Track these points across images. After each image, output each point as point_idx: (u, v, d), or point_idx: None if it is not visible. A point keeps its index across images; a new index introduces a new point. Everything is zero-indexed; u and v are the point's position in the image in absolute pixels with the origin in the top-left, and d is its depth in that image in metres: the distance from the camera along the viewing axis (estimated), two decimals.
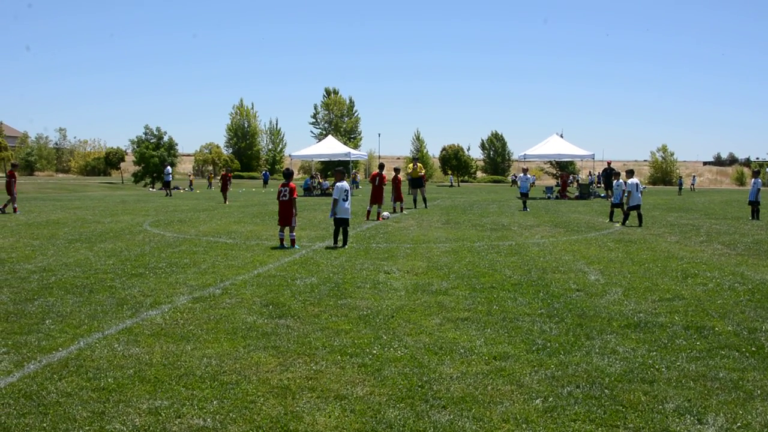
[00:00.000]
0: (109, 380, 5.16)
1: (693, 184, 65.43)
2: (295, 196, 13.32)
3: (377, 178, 20.91)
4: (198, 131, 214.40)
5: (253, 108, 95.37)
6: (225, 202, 30.86)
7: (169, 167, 42.17)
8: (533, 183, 57.20)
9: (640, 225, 18.45)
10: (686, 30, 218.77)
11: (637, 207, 18.92)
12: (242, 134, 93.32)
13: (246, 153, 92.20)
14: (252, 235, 15.77)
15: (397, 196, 23.72)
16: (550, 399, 4.83)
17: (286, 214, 13.27)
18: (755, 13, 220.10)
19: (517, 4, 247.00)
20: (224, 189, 32.56)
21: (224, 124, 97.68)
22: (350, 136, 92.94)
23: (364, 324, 7.00)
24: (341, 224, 13.44)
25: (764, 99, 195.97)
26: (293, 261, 11.35)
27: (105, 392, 4.92)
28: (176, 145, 65.42)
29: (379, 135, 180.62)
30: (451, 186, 75.62)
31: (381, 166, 22.04)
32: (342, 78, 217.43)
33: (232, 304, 7.92)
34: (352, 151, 48.43)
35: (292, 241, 13.29)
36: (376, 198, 20.71)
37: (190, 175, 58.17)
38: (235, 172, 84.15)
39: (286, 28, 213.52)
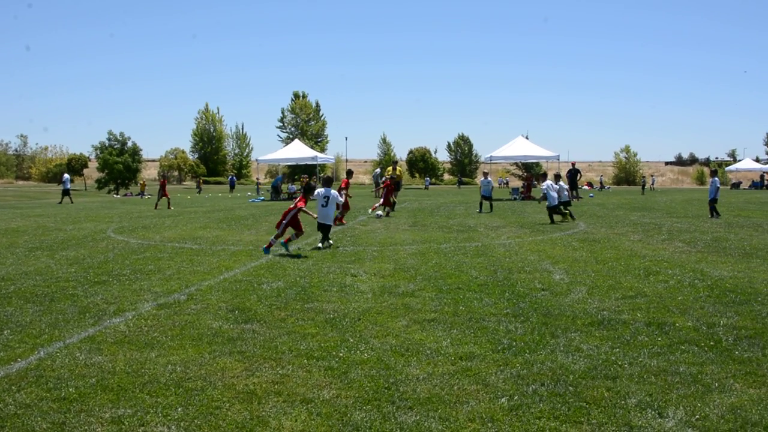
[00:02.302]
0: (71, 390, 5.07)
1: (653, 184, 66.29)
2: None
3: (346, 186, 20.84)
4: (163, 136, 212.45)
5: (218, 112, 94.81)
6: (155, 208, 30.83)
7: (66, 175, 41.60)
8: (496, 186, 57.56)
9: (551, 222, 20.09)
10: (646, 34, 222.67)
11: (552, 208, 20.45)
12: (208, 139, 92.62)
13: (212, 158, 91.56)
14: (218, 240, 15.63)
15: (386, 201, 23.67)
16: (516, 397, 4.87)
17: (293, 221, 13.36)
18: (713, 16, 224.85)
19: (482, 11, 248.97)
20: (161, 195, 32.37)
21: (190, 129, 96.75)
22: (317, 139, 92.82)
23: (330, 327, 6.98)
24: (320, 229, 13.79)
25: (723, 100, 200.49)
26: (260, 265, 11.28)
27: (66, 402, 4.82)
28: (140, 150, 64.76)
29: (346, 138, 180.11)
30: (426, 188, 75.98)
31: (349, 173, 22.20)
32: (308, 82, 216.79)
33: (197, 309, 7.84)
34: (319, 155, 48.31)
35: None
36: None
37: (161, 179, 57.34)
38: (202, 178, 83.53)
39: (253, 33, 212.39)
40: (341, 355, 5.96)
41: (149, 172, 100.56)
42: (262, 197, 41.65)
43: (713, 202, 22.40)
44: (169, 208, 31.12)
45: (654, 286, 9.22)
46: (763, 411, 4.57)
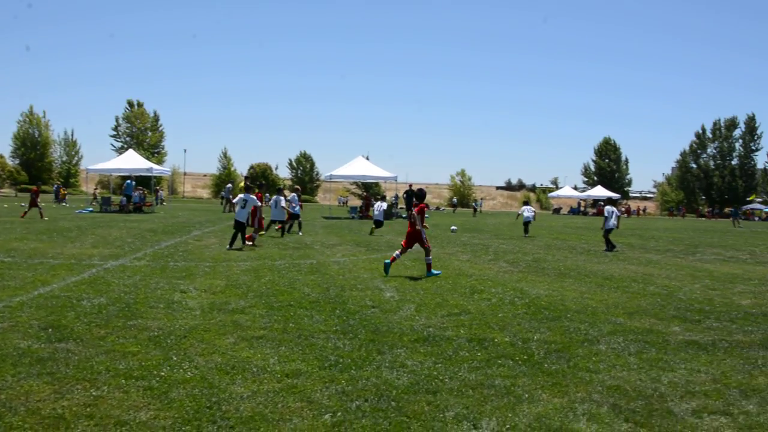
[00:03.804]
0: None
1: (479, 207, 68.83)
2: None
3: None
4: None
5: (45, 117, 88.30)
6: (23, 216, 28.65)
7: None
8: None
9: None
10: (482, 64, 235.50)
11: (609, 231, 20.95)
12: (32, 144, 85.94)
13: (36, 165, 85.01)
14: (35, 253, 14.50)
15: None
16: (339, 414, 4.91)
17: (417, 237, 12.80)
18: (535, 51, 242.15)
19: (324, 24, 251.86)
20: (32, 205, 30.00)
21: (10, 132, 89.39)
22: (154, 151, 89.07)
23: (154, 345, 6.69)
24: (235, 226, 16.93)
25: (547, 131, 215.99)
26: (81, 281, 10.60)
27: None
28: None
29: (185, 151, 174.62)
30: (266, 204, 74.91)
31: (261, 186, 21.91)
32: (147, 91, 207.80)
33: (3, 328, 7.20)
34: (155, 167, 46.33)
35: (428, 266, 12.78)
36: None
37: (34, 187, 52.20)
38: (21, 185, 77.46)
39: (87, 33, 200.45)
40: (163, 374, 5.73)
41: None
42: (91, 208, 39.20)
43: (608, 232, 20.64)
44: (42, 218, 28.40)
45: (478, 303, 9.69)
46: (564, 418, 4.94)
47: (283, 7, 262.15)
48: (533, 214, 25.65)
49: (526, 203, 26.66)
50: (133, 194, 39.89)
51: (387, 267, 12.48)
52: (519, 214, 26.18)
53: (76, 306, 8.52)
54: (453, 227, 28.79)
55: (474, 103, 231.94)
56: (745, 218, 76.73)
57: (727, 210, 73.16)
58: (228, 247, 16.53)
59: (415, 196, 13.49)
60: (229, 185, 44.97)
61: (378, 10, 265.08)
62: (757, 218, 79.77)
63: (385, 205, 19.48)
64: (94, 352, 6.35)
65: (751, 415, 5.16)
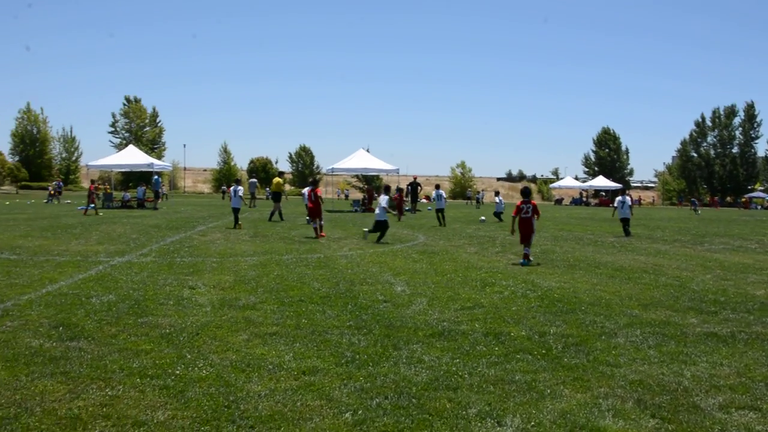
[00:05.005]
0: None
1: (481, 199, 68.63)
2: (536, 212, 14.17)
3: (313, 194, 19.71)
4: None
5: (42, 113, 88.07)
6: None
7: None
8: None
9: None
10: (477, 51, 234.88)
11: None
12: (30, 141, 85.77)
13: (35, 161, 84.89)
14: (41, 250, 14.41)
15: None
16: (360, 412, 4.82)
17: (528, 231, 13.91)
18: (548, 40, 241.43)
19: (324, 24, 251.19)
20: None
21: (8, 130, 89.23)
22: (153, 146, 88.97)
23: (166, 343, 6.60)
24: (233, 211, 21.52)
25: (547, 121, 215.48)
26: (88, 277, 10.51)
27: None
28: None
29: (185, 146, 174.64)
30: (267, 198, 74.74)
31: (314, 182, 21.15)
32: (145, 87, 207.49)
33: (13, 327, 7.12)
34: (155, 162, 46.22)
35: (526, 256, 13.69)
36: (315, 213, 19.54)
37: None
38: (23, 182, 77.35)
39: (82, 32, 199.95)
40: (178, 372, 5.64)
41: None
42: (93, 204, 39.12)
43: (624, 221, 22.23)
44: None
45: (490, 296, 9.60)
46: (589, 414, 4.84)
47: (281, 1, 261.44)
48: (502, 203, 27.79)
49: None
50: (138, 189, 39.82)
51: (525, 264, 13.38)
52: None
53: (86, 303, 8.43)
54: (482, 218, 30.69)
55: (474, 95, 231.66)
56: (743, 207, 76.66)
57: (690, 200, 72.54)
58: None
59: (522, 193, 14.43)
60: (253, 180, 44.74)
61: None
62: (759, 207, 79.63)
63: (386, 199, 18.18)
64: (107, 351, 6.26)
65: None
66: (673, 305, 9.19)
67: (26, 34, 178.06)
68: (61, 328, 7.07)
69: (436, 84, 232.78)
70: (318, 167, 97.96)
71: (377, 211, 18.76)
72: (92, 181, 32.38)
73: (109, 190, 44.42)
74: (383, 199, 18.76)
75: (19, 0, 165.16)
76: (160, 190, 38.19)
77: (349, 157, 43.59)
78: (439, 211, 26.34)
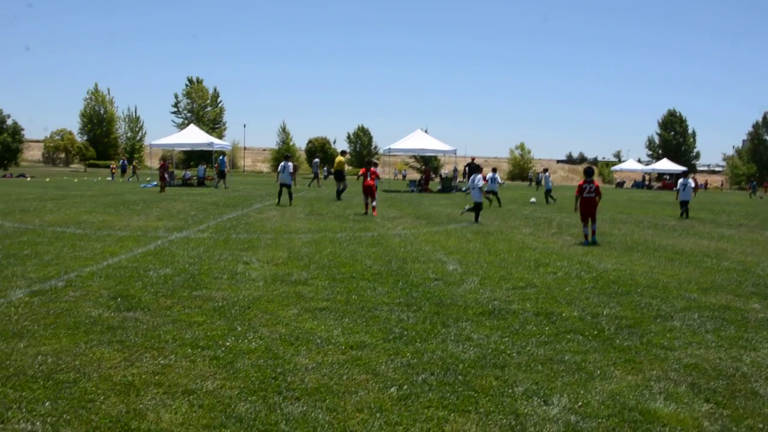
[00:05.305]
0: None
1: (542, 180, 67.67)
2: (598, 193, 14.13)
3: (367, 173, 20.01)
4: (48, 116, 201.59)
5: (109, 94, 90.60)
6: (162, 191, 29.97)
7: None
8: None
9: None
10: (539, 36, 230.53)
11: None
12: (98, 121, 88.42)
13: (102, 141, 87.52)
14: (104, 225, 14.88)
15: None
16: (405, 387, 4.82)
17: (591, 211, 13.87)
18: (611, 16, 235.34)
19: (382, 10, 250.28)
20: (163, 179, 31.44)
21: (77, 110, 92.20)
22: (214, 126, 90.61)
23: (218, 315, 6.73)
24: (282, 186, 22.15)
25: (611, 103, 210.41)
26: (147, 252, 10.79)
27: None
28: (22, 130, 61.10)
29: (245, 126, 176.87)
30: (325, 178, 75.33)
31: (368, 163, 21.05)
32: (207, 67, 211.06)
33: (75, 297, 7.38)
34: (216, 141, 47.02)
35: (591, 233, 13.81)
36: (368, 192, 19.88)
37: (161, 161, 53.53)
38: (90, 161, 79.72)
39: (146, 14, 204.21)
40: (228, 344, 5.75)
41: (32, 153, 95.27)
42: (155, 182, 40.13)
43: (683, 204, 22.46)
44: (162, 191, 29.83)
45: (543, 277, 9.46)
46: (639, 396, 4.73)
47: None
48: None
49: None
50: (199, 168, 40.67)
51: (592, 242, 13.57)
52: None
53: (143, 276, 8.66)
54: (532, 199, 30.75)
55: (534, 75, 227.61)
56: None
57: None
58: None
59: (585, 173, 14.50)
60: (317, 160, 45.16)
61: None
62: None
63: (479, 178, 17.73)
64: (161, 321, 6.42)
65: None
66: (735, 290, 8.89)
67: (106, 19, 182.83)
68: (119, 299, 7.28)
69: (497, 67, 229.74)
70: (376, 147, 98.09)
71: (474, 192, 18.17)
72: (163, 159, 33.25)
73: (171, 168, 45.42)
74: (478, 179, 18.23)
75: None
76: (225, 170, 38.69)
77: (406, 137, 43.44)
78: (490, 192, 26.12)
